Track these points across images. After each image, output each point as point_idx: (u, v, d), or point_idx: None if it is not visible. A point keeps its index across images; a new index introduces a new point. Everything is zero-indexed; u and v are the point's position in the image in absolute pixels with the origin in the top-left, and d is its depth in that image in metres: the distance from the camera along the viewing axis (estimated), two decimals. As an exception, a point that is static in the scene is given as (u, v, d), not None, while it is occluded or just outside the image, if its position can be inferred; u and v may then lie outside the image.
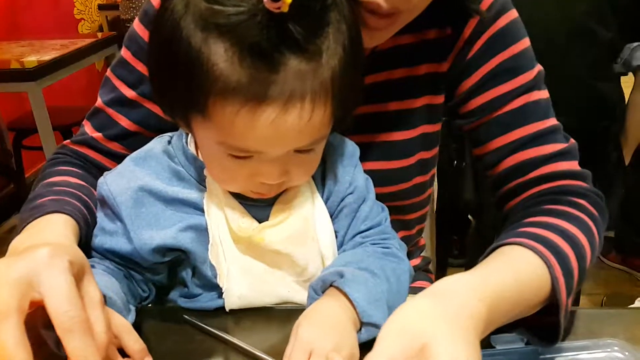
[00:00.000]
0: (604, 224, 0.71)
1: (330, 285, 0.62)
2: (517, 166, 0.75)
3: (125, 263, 0.66)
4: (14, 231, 0.63)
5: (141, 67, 0.78)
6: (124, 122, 0.79)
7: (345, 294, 0.60)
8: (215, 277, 0.66)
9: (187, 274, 0.69)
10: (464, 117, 0.79)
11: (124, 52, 0.80)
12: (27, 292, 0.44)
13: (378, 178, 0.75)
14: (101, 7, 4.03)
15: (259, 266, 0.67)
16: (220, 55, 0.51)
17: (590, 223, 0.68)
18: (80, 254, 0.52)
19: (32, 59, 2.25)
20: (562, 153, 0.74)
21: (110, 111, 0.80)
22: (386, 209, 0.75)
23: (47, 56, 2.29)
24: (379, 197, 0.75)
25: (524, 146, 0.74)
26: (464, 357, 0.45)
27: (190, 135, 0.68)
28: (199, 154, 0.67)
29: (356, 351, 0.57)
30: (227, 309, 0.67)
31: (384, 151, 0.81)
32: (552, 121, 0.75)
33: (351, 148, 0.73)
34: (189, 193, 0.66)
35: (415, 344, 0.46)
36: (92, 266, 0.57)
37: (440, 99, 0.82)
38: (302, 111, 0.54)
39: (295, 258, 0.66)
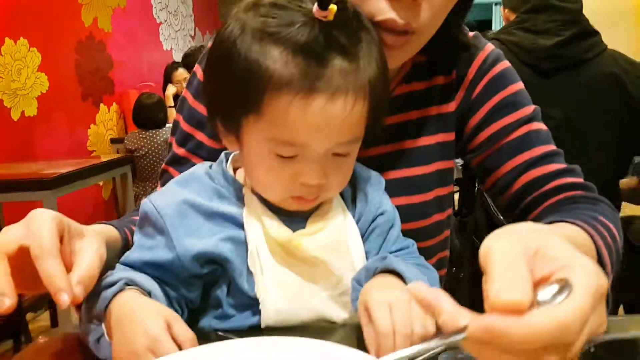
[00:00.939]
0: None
1: (373, 274, 0.64)
2: (531, 182, 0.82)
3: (162, 277, 0.66)
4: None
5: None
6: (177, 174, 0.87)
7: (392, 274, 0.63)
8: (251, 291, 0.66)
9: (222, 292, 0.68)
10: (473, 151, 0.87)
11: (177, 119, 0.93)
12: (16, 239, 0.57)
13: (400, 214, 0.78)
14: (113, 141, 4.24)
15: (294, 278, 0.67)
16: (275, 57, 0.60)
17: (612, 215, 0.73)
18: (78, 225, 0.62)
19: (49, 172, 2.33)
20: (569, 170, 0.82)
21: (171, 170, 0.91)
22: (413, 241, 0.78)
23: (63, 170, 2.38)
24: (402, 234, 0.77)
25: (534, 165, 0.82)
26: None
27: (229, 162, 0.73)
28: (237, 176, 0.71)
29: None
30: (262, 326, 0.66)
31: (403, 186, 0.85)
32: (554, 147, 0.84)
33: (378, 177, 0.78)
34: (229, 208, 0.68)
35: (531, 247, 0.42)
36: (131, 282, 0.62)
37: (451, 137, 0.89)
38: (346, 104, 0.61)
39: (332, 267, 0.67)
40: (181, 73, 4.57)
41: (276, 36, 0.59)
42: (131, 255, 0.67)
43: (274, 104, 0.60)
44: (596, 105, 1.62)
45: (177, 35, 5.60)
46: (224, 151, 0.75)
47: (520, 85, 0.87)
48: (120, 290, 0.60)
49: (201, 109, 0.89)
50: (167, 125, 3.87)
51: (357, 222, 0.73)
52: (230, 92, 0.64)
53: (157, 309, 0.58)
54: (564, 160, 0.83)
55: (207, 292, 0.69)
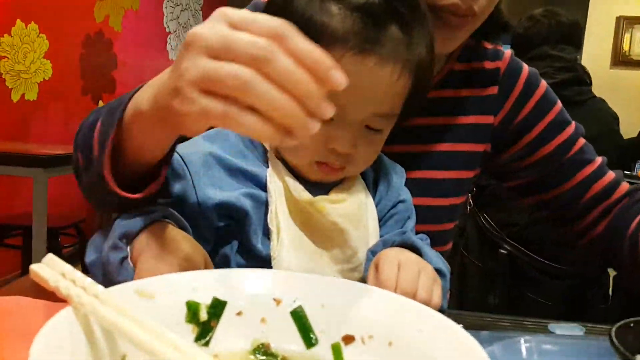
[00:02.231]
0: None
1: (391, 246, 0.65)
2: (600, 192, 0.92)
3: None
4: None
5: None
6: None
7: (409, 247, 0.64)
8: (265, 251, 0.66)
9: (231, 249, 0.68)
10: (530, 167, 0.93)
11: None
12: None
13: (416, 214, 0.79)
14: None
15: (309, 245, 0.68)
16: (333, 13, 0.61)
17: None
18: None
19: (43, 152, 2.31)
20: (620, 177, 0.93)
21: None
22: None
23: (58, 151, 2.36)
24: None
25: (598, 176, 0.92)
26: None
27: None
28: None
29: (438, 277, 0.59)
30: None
31: (422, 188, 0.86)
32: (599, 157, 0.94)
33: (400, 168, 0.80)
34: (252, 167, 0.69)
35: None
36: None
37: (481, 147, 0.91)
38: (393, 72, 0.62)
39: (349, 237, 0.68)
40: (183, 82, 4.59)
41: None
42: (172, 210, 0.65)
43: None
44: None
45: (183, 47, 5.65)
46: None
47: (559, 103, 0.94)
48: (157, 221, 0.59)
49: None
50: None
51: (377, 205, 0.73)
52: None
53: (195, 245, 0.58)
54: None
55: (215, 249, 0.69)
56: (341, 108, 0.62)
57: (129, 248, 0.57)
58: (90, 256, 0.59)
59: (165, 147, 0.58)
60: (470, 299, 1.68)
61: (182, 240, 0.56)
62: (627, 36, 4.68)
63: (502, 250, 1.60)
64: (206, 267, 0.55)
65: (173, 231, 0.58)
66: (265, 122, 0.42)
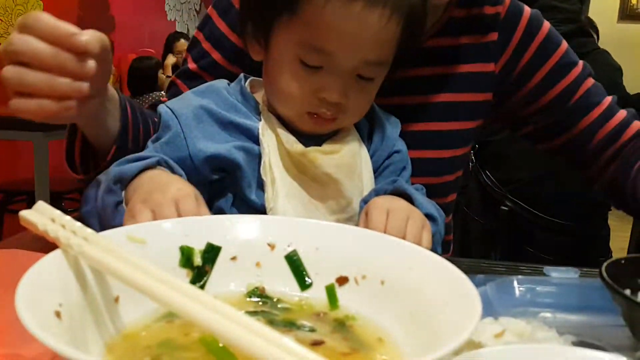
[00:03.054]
0: None
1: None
2: (609, 134, 0.89)
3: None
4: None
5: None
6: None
7: (401, 195, 0.64)
8: (259, 202, 0.66)
9: (226, 203, 0.69)
10: (533, 115, 0.91)
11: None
12: None
13: (412, 167, 0.79)
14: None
15: (304, 195, 0.68)
16: None
17: None
18: None
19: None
20: (632, 115, 0.91)
21: (179, 82, 0.90)
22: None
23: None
24: None
25: (607, 118, 0.89)
26: None
27: (247, 82, 0.73)
28: (256, 95, 0.72)
29: (427, 221, 0.59)
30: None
31: (420, 140, 0.85)
32: (609, 96, 0.92)
33: (394, 119, 0.79)
34: (245, 121, 0.68)
35: None
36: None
37: (482, 97, 0.89)
38: (382, 16, 0.61)
39: (343, 187, 0.68)
40: (183, 44, 4.52)
41: None
42: (142, 154, 0.66)
43: (310, 3, 0.60)
44: None
45: (182, 8, 5.54)
46: (242, 73, 0.75)
47: (565, 43, 0.90)
48: (152, 167, 0.60)
49: (223, 27, 0.88)
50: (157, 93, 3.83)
51: (372, 156, 0.73)
52: None
53: (188, 183, 0.58)
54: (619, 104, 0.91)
55: (210, 203, 0.69)
56: (330, 55, 0.62)
57: (123, 193, 0.58)
58: (85, 206, 0.59)
59: (90, 137, 0.69)
60: (472, 256, 1.69)
61: (172, 182, 0.56)
62: (634, -10, 4.57)
63: (503, 207, 1.60)
64: (198, 208, 0.55)
65: (164, 175, 0.58)
66: (53, 101, 0.54)
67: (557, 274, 0.59)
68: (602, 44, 1.84)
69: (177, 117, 0.66)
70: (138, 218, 0.50)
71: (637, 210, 0.87)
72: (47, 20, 0.51)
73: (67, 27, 0.52)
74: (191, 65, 0.90)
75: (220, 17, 0.89)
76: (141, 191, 0.56)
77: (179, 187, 0.55)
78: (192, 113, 0.66)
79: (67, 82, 0.53)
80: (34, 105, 0.54)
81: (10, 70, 0.54)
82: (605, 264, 0.43)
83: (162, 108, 0.68)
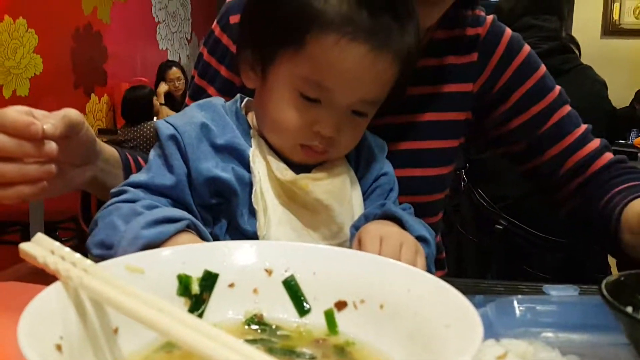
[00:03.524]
0: None
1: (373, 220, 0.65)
2: (578, 164, 0.89)
3: (176, 197, 0.66)
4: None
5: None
6: None
7: (390, 218, 0.64)
8: (251, 231, 0.66)
9: (220, 230, 0.68)
10: (506, 137, 0.92)
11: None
12: None
13: (400, 186, 0.79)
14: (101, 132, 4.20)
15: (296, 223, 0.68)
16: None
17: None
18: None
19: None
20: (604, 146, 0.91)
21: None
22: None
23: (52, 145, 2.34)
24: None
25: (576, 148, 0.90)
26: None
27: (243, 103, 0.74)
28: (248, 117, 0.72)
29: (420, 246, 0.58)
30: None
31: (406, 159, 0.87)
32: (584, 124, 0.92)
33: (381, 142, 0.80)
34: (237, 144, 0.69)
35: None
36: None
37: (462, 116, 0.90)
38: (385, 60, 0.63)
39: (334, 213, 0.68)
40: (175, 72, 4.57)
41: None
42: (140, 175, 0.67)
43: (318, 41, 0.62)
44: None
45: (173, 37, 5.60)
46: (239, 94, 0.75)
47: (543, 67, 0.92)
48: (181, 231, 0.58)
49: (214, 62, 0.92)
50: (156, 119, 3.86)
51: (360, 180, 0.74)
52: (276, 24, 0.65)
53: None
54: (592, 134, 0.91)
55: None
56: (329, 92, 0.63)
57: None
58: (103, 250, 0.59)
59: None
60: (468, 276, 1.68)
61: None
62: (616, 5, 4.65)
63: (497, 226, 1.60)
64: None
65: (192, 239, 0.58)
66: (29, 185, 0.59)
67: (557, 292, 0.59)
68: (586, 59, 1.86)
69: (180, 134, 0.66)
70: None
71: (600, 240, 0.87)
72: (10, 115, 0.57)
73: (24, 119, 0.57)
74: (189, 102, 0.94)
75: (209, 54, 0.93)
76: None
77: None
78: (194, 132, 0.67)
79: (35, 167, 0.59)
80: (12, 192, 0.59)
81: None
82: (604, 281, 0.43)
83: (162, 124, 0.68)
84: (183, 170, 0.65)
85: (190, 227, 0.60)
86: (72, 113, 0.64)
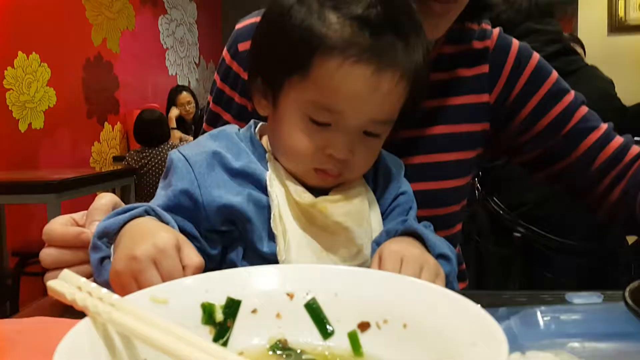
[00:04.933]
0: None
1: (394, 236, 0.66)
2: (610, 158, 0.90)
3: (184, 225, 0.66)
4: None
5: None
6: None
7: (412, 235, 0.64)
8: (270, 254, 0.66)
9: (237, 255, 0.69)
10: (530, 142, 0.92)
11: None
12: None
13: (417, 200, 0.79)
14: (115, 159, 4.26)
15: (315, 245, 0.68)
16: (332, 22, 0.62)
17: None
18: None
19: (53, 177, 2.34)
20: (630, 140, 0.91)
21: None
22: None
23: (68, 175, 2.39)
24: (419, 221, 0.78)
25: (605, 142, 0.89)
26: None
27: (257, 129, 0.74)
28: (263, 140, 0.73)
29: (440, 269, 0.57)
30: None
31: (423, 172, 0.87)
32: (605, 123, 0.92)
33: (398, 161, 0.80)
34: (253, 169, 0.69)
35: None
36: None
37: (479, 127, 0.91)
38: (391, 80, 0.63)
39: (353, 235, 0.68)
40: (185, 96, 4.63)
41: (335, 4, 0.62)
42: (154, 203, 0.67)
43: (323, 66, 0.62)
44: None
45: (182, 62, 5.69)
46: (253, 119, 0.76)
47: (555, 73, 0.92)
48: (139, 216, 0.60)
49: (227, 90, 0.94)
50: (170, 142, 3.91)
51: (378, 200, 0.73)
52: (281, 51, 0.65)
53: (171, 230, 0.58)
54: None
55: (222, 254, 0.69)
56: (339, 114, 0.63)
57: (112, 248, 0.58)
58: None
59: None
60: (489, 287, 1.66)
61: (156, 230, 0.56)
62: (621, 2, 4.62)
63: (515, 234, 1.59)
64: (178, 250, 0.54)
65: (150, 222, 0.58)
66: None
67: (580, 299, 0.58)
68: (594, 58, 1.86)
69: (191, 165, 0.67)
70: (127, 291, 0.50)
71: None
72: (56, 230, 0.66)
73: (72, 231, 0.65)
74: (206, 127, 0.97)
75: (222, 81, 0.95)
76: (122, 247, 0.56)
77: (156, 242, 0.53)
78: (205, 161, 0.67)
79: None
80: None
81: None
82: (628, 289, 0.42)
83: (174, 154, 0.69)
84: (187, 197, 0.65)
85: (149, 213, 0.61)
86: (107, 198, 0.68)
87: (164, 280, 0.51)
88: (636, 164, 0.89)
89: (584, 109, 0.91)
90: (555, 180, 0.96)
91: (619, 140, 0.91)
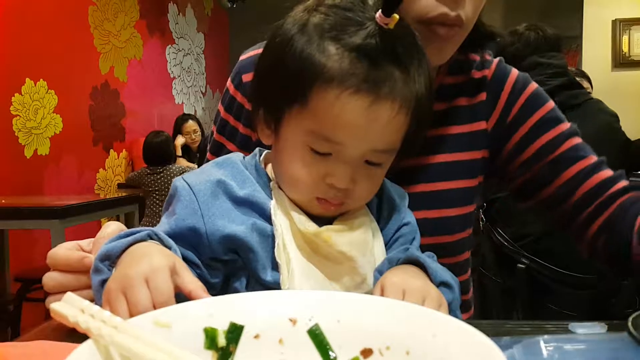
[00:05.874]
0: None
1: (396, 264, 0.65)
2: (594, 188, 0.87)
3: (185, 253, 0.66)
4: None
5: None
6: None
7: (414, 263, 0.64)
8: (274, 283, 0.66)
9: (240, 284, 0.69)
10: (520, 167, 0.91)
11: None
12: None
13: (420, 228, 0.79)
14: (120, 186, 4.28)
15: (319, 275, 0.68)
16: (331, 53, 0.62)
17: None
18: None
19: (58, 203, 2.35)
20: (620, 175, 0.89)
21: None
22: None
23: (72, 201, 2.39)
24: (424, 249, 0.77)
25: (591, 172, 0.88)
26: None
27: (262, 157, 0.75)
28: (267, 169, 0.73)
29: (443, 299, 0.57)
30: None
31: (426, 201, 0.87)
32: (596, 157, 0.90)
33: (401, 191, 0.80)
34: (258, 197, 0.69)
35: None
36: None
37: (478, 154, 0.91)
38: (390, 110, 0.63)
39: (358, 264, 0.68)
40: (191, 125, 4.67)
41: (335, 34, 0.62)
42: (159, 227, 0.67)
43: (321, 96, 0.62)
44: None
45: (188, 91, 5.76)
46: (258, 147, 0.77)
47: (552, 102, 0.92)
48: (142, 240, 0.60)
49: (231, 120, 0.95)
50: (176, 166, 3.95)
51: (382, 230, 0.73)
52: (281, 82, 0.66)
53: (171, 254, 0.58)
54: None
55: (226, 284, 0.69)
56: (338, 145, 0.64)
57: (113, 270, 0.58)
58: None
59: None
60: (493, 317, 1.65)
61: (149, 255, 0.56)
62: (625, 38, 4.68)
63: (519, 265, 1.58)
64: (173, 273, 0.54)
65: (150, 247, 0.58)
66: None
67: (584, 330, 0.58)
68: (598, 93, 1.88)
69: (194, 194, 0.67)
70: (113, 305, 0.51)
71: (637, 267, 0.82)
72: (61, 254, 0.67)
73: (76, 255, 0.66)
74: (210, 157, 0.98)
75: (226, 112, 0.96)
76: (119, 268, 0.56)
77: (152, 262, 0.54)
78: (209, 190, 0.67)
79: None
80: None
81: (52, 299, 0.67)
82: (631, 318, 0.42)
83: (178, 182, 0.69)
84: (190, 226, 0.65)
85: (152, 237, 0.61)
86: (113, 227, 0.69)
87: (152, 297, 0.51)
88: (622, 197, 0.86)
89: (577, 140, 0.90)
90: (543, 208, 0.94)
91: (607, 172, 0.88)
